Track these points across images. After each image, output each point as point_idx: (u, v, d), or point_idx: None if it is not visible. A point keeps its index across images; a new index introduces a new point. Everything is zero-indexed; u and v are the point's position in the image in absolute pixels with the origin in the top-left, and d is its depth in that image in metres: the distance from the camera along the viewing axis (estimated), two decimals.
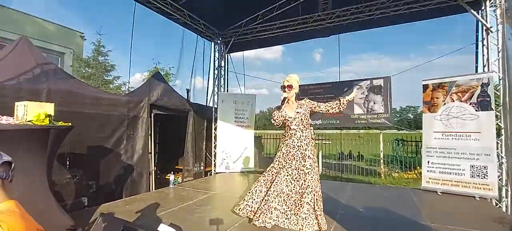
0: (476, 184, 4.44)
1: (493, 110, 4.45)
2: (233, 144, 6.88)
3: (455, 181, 4.62)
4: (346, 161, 11.56)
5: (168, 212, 3.61)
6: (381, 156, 10.43)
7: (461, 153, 4.60)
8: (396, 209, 3.83)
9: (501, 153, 4.55)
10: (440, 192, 4.70)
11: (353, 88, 4.91)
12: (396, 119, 57.64)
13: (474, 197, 4.40)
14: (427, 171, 4.92)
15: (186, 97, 6.81)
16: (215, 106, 7.25)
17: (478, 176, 4.42)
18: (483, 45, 4.92)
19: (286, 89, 3.01)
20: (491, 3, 4.93)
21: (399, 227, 3.25)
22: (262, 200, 3.00)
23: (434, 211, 3.79)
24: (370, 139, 11.58)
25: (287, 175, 2.93)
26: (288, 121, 3.00)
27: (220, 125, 6.91)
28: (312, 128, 3.11)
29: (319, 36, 6.76)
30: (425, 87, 5.12)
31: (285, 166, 2.95)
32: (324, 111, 3.10)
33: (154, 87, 5.64)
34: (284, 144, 3.03)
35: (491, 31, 4.78)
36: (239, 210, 3.24)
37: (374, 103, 5.95)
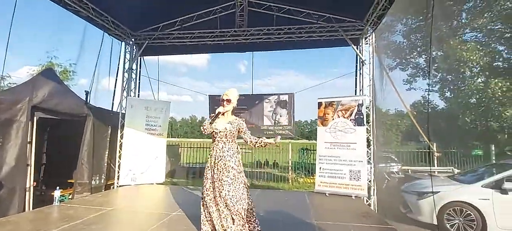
0: (353, 185, 5.44)
1: (365, 125, 5.60)
2: (141, 153, 6.38)
3: (339, 184, 5.55)
4: (262, 169, 12.30)
5: None
6: (290, 164, 11.55)
7: (343, 160, 5.57)
8: (291, 211, 4.31)
9: (371, 160, 5.75)
10: (328, 193, 5.55)
11: (276, 136, 4.66)
12: (307, 130, 64.89)
13: (351, 196, 5.38)
14: (319, 175, 5.75)
15: (84, 100, 5.95)
16: (123, 112, 6.61)
17: (354, 178, 5.44)
18: (360, 73, 6.17)
19: (225, 103, 3.04)
20: (366, 41, 6.27)
21: (290, 227, 3.67)
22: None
23: (320, 210, 4.44)
24: (285, 148, 12.68)
25: (220, 186, 2.87)
26: (215, 132, 3.01)
27: (127, 132, 6.32)
28: (236, 143, 3.11)
29: (235, 50, 7.11)
30: (320, 104, 6.03)
31: (217, 178, 2.91)
32: (246, 141, 3.07)
33: (39, 86, 4.74)
34: (210, 156, 3.03)
35: (365, 63, 6.06)
36: None
37: (280, 116, 6.63)
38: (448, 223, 5.08)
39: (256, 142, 3.01)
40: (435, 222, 5.07)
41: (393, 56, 16.19)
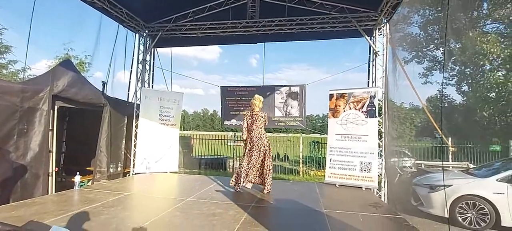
0: (363, 177, 5.43)
1: (377, 117, 5.54)
2: (155, 142, 6.59)
3: (349, 175, 5.55)
4: (273, 162, 12.39)
5: (67, 215, 3.24)
6: (301, 157, 11.58)
7: (354, 152, 5.55)
8: (300, 200, 4.38)
9: (382, 152, 5.70)
10: (338, 185, 5.56)
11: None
12: (319, 124, 64.32)
13: (361, 187, 5.37)
14: (329, 167, 5.76)
15: (101, 90, 6.17)
16: (138, 102, 6.81)
17: (365, 170, 5.42)
18: (372, 65, 6.08)
19: (258, 104, 4.81)
20: (380, 32, 6.15)
21: (299, 214, 3.74)
22: (245, 174, 4.75)
23: (329, 200, 4.48)
24: (297, 142, 12.74)
25: (258, 158, 4.71)
26: (254, 123, 4.71)
27: (142, 122, 6.52)
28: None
29: (246, 42, 7.13)
30: (331, 96, 6.00)
31: (255, 152, 4.68)
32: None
33: (59, 76, 4.95)
34: (252, 137, 4.71)
35: (378, 54, 5.96)
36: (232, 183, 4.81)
37: (291, 107, 6.64)
38: (460, 217, 5.02)
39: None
40: (447, 215, 5.01)
41: (409, 49, 15.73)
